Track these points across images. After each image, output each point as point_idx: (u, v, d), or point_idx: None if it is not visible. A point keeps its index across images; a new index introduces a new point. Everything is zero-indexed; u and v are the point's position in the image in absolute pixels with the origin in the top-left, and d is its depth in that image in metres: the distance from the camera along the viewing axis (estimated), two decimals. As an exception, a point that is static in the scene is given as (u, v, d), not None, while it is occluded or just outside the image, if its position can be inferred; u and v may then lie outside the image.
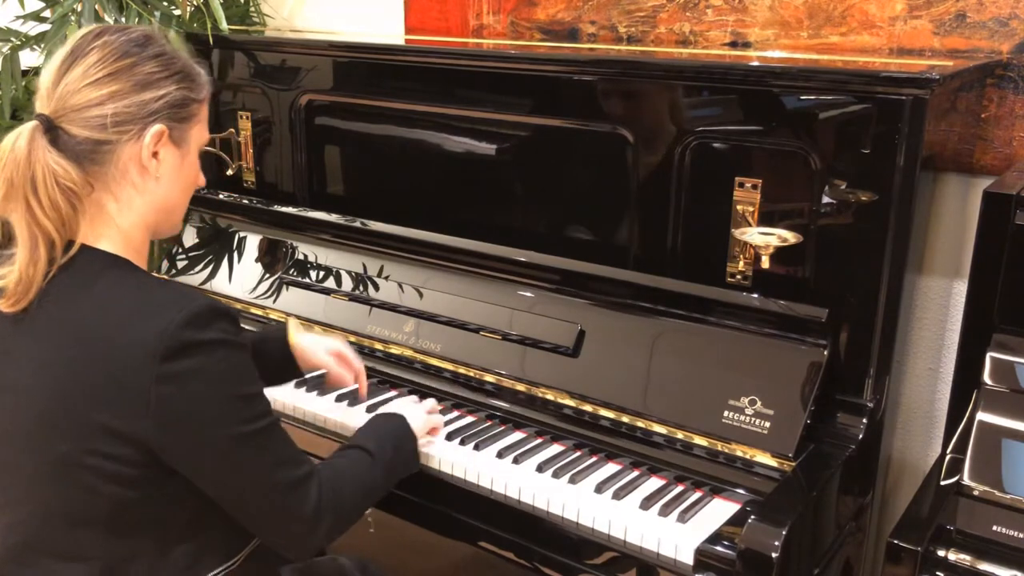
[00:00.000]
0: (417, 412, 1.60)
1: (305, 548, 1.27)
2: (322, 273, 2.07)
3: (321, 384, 1.85)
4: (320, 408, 1.77)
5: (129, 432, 1.11)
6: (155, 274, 1.27)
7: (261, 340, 1.64)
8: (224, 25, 2.21)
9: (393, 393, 1.83)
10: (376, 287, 1.97)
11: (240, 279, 2.18)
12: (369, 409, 1.75)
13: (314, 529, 1.23)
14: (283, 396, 1.81)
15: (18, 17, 2.37)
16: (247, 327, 2.11)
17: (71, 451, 1.13)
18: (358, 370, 1.71)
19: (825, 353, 1.50)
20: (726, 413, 1.52)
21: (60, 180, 1.13)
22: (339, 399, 1.79)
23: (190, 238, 2.33)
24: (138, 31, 1.21)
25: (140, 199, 1.21)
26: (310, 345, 1.65)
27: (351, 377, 1.69)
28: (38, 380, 1.15)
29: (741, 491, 1.48)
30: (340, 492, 1.27)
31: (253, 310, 2.12)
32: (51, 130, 1.15)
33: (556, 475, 1.53)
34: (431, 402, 1.70)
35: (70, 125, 1.15)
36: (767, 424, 1.48)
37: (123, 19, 2.28)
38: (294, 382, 1.86)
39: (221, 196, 2.30)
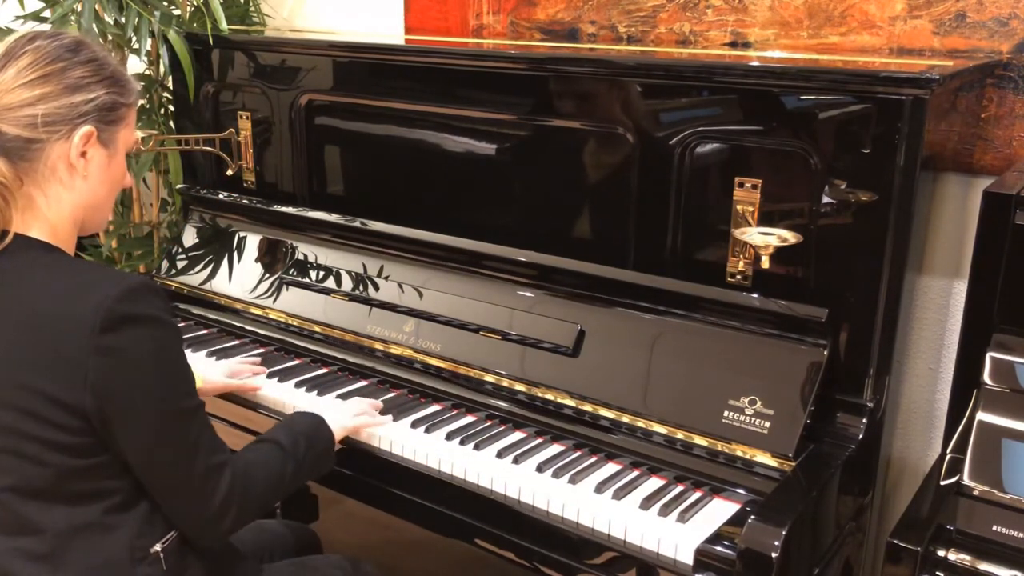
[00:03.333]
0: (339, 412, 1.62)
1: (207, 534, 1.31)
2: (322, 273, 2.07)
3: (321, 384, 1.86)
4: (319, 408, 1.76)
5: (69, 401, 1.16)
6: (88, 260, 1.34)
7: None
8: (224, 25, 2.21)
9: (393, 394, 1.83)
10: (376, 287, 1.97)
11: (240, 279, 2.18)
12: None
13: (219, 518, 1.27)
14: (283, 396, 1.82)
15: (18, 17, 2.37)
16: (249, 327, 2.12)
17: (15, 421, 1.18)
18: (251, 364, 1.92)
19: (825, 353, 1.50)
20: (726, 413, 1.52)
21: None
22: (338, 399, 1.79)
23: (190, 238, 2.33)
24: (70, 37, 1.28)
25: (68, 195, 1.27)
26: (214, 384, 1.79)
27: (250, 371, 1.89)
28: None
29: (741, 491, 1.48)
30: (249, 485, 1.31)
31: (253, 310, 2.12)
32: None
33: (556, 475, 1.53)
34: (359, 403, 1.70)
35: (1, 123, 1.20)
36: (767, 424, 1.48)
37: (123, 19, 2.28)
38: (294, 382, 1.86)
39: (221, 196, 2.30)
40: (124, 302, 1.17)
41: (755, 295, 1.57)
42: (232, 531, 1.31)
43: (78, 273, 1.22)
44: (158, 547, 1.27)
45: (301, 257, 2.12)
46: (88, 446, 1.19)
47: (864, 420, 1.53)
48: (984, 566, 1.25)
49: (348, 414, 1.64)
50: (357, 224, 2.04)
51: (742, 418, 1.50)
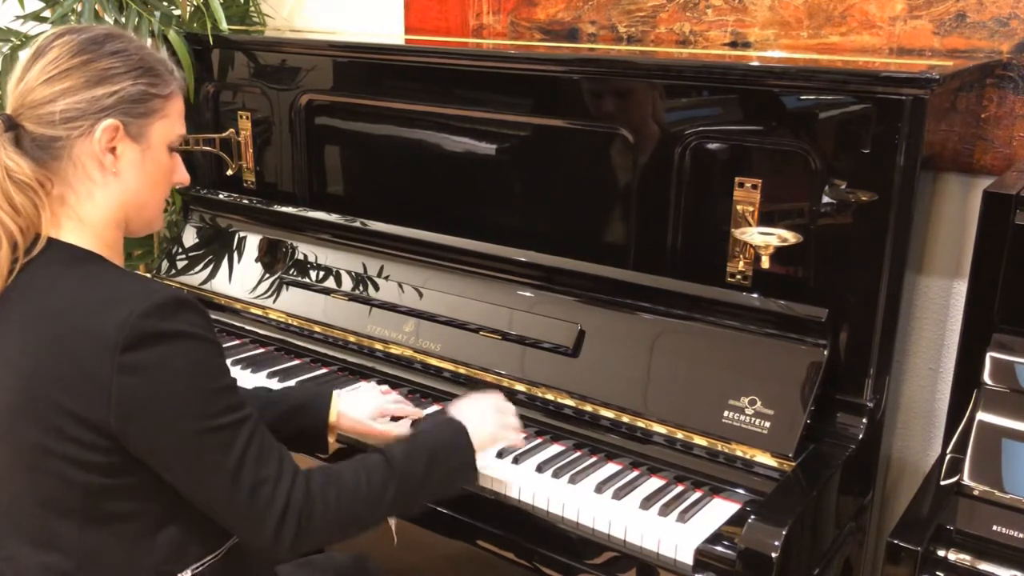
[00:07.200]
0: (487, 422, 1.44)
1: (270, 550, 1.20)
2: (322, 273, 2.07)
3: (321, 384, 1.85)
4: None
5: (94, 420, 1.11)
6: (127, 269, 1.28)
7: (298, 407, 1.57)
8: (224, 25, 2.21)
9: (393, 393, 1.83)
10: (376, 287, 1.97)
11: (240, 279, 2.18)
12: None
13: (277, 534, 1.17)
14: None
15: (18, 17, 2.37)
16: (249, 327, 2.12)
17: (42, 438, 1.14)
18: (408, 412, 1.66)
19: (825, 353, 1.50)
20: (726, 413, 1.52)
21: (12, 175, 1.15)
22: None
23: (190, 238, 2.33)
24: (101, 30, 1.22)
25: (101, 193, 1.21)
26: (353, 420, 1.57)
27: (406, 413, 1.65)
28: (6, 371, 1.16)
29: (741, 491, 1.48)
30: (321, 500, 1.21)
31: (253, 310, 2.12)
32: (12, 128, 1.18)
33: (556, 475, 1.53)
34: (509, 412, 1.51)
35: (27, 122, 1.18)
36: (767, 424, 1.48)
37: (123, 19, 2.28)
38: (294, 382, 1.86)
39: (221, 196, 2.30)
40: (150, 318, 1.10)
41: (755, 295, 1.57)
42: (297, 549, 1.20)
43: (108, 286, 1.16)
44: (188, 573, 1.22)
45: (301, 257, 2.12)
46: (115, 466, 1.14)
47: (864, 420, 1.53)
48: (984, 566, 1.25)
49: (495, 425, 1.47)
50: (357, 224, 2.04)
51: (742, 418, 1.50)
